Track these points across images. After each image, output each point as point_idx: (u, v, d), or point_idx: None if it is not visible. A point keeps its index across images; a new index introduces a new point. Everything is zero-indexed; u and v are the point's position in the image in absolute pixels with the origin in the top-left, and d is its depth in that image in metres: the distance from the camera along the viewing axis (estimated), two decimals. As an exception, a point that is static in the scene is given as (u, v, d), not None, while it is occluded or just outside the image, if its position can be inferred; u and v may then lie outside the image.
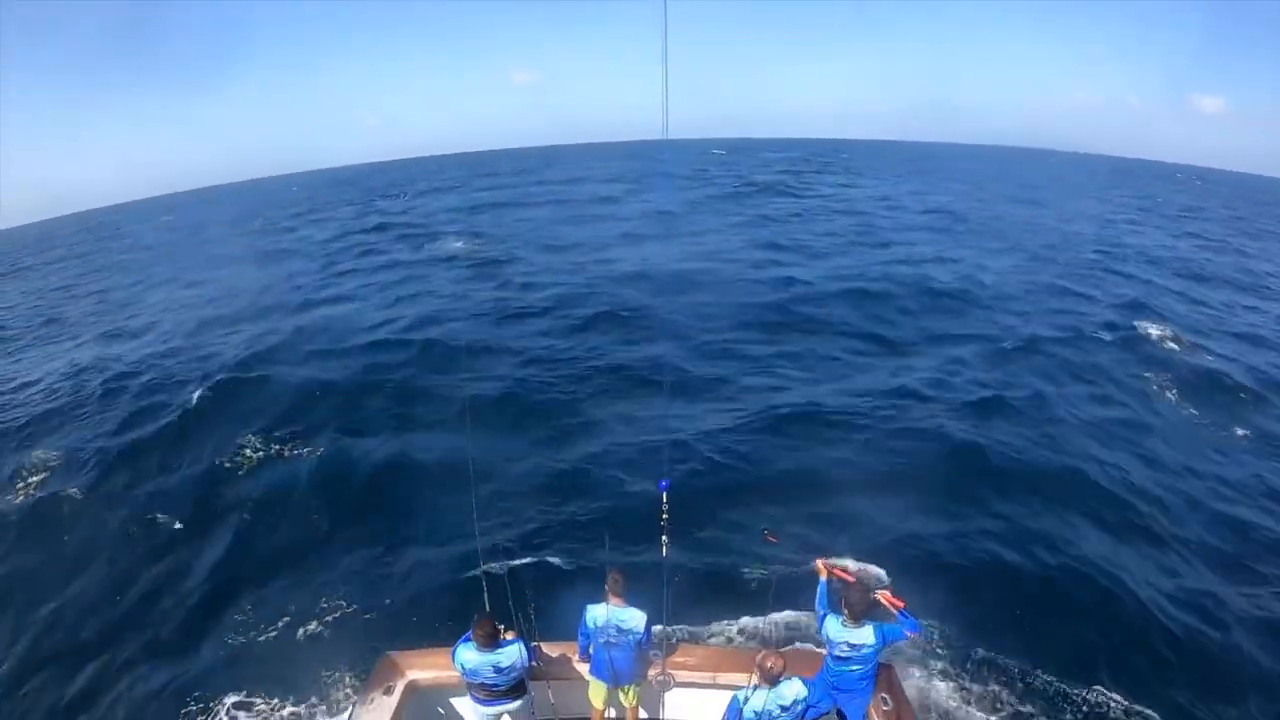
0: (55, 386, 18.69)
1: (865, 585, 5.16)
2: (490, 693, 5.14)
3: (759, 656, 4.73)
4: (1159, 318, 20.81)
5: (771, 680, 4.62)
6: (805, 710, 4.84)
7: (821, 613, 5.28)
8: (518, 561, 9.40)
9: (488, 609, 5.40)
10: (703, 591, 8.74)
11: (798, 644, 7.86)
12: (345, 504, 11.80)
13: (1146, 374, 16.91)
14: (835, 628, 5.12)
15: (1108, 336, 19.18)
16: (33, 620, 9.65)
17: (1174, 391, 16.16)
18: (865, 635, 5.05)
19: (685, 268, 25.90)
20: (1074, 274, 26.43)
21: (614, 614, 5.22)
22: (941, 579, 9.11)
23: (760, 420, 14.04)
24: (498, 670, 5.02)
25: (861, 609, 5.02)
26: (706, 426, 13.67)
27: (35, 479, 13.47)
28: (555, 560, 9.64)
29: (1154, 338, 19.30)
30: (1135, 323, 20.22)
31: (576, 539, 10.14)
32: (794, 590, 8.16)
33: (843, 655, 5.12)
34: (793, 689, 4.72)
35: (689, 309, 21.13)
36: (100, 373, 19.08)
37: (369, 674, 5.99)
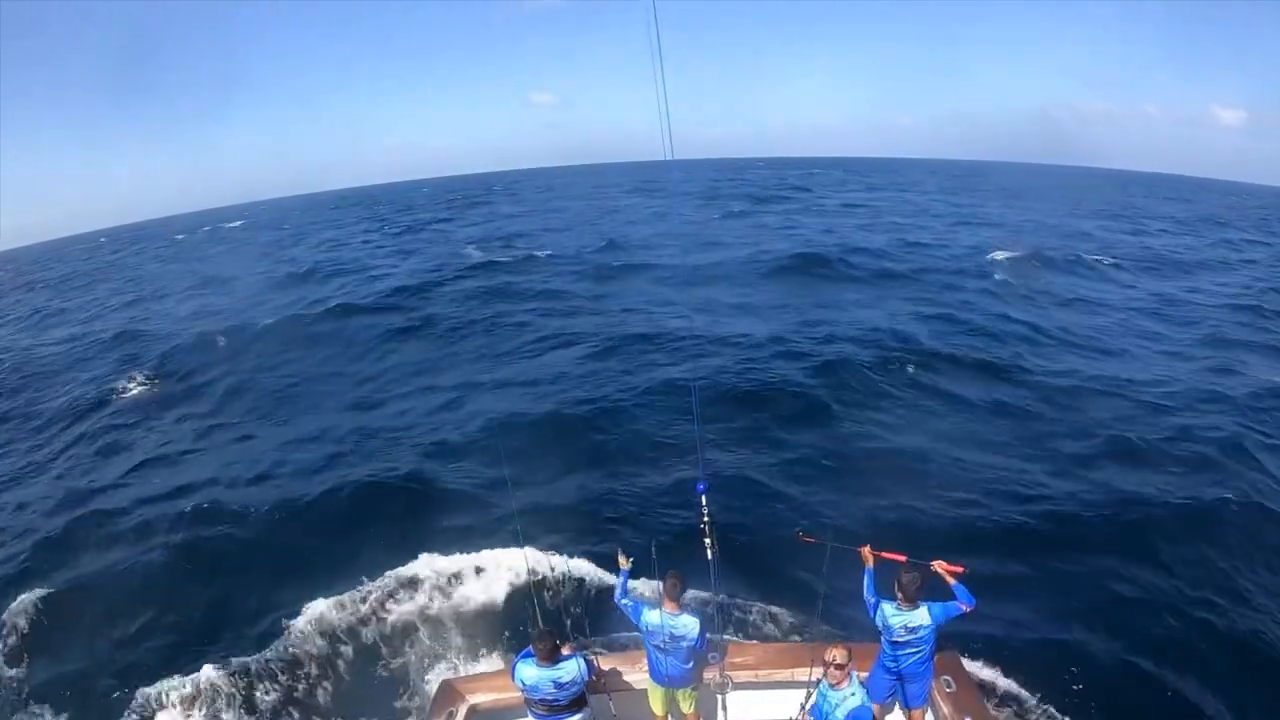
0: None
1: (916, 563, 5.10)
2: (551, 708, 5.16)
3: (827, 653, 4.71)
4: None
5: (843, 669, 4.63)
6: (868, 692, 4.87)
7: (872, 600, 5.22)
8: (567, 575, 9.38)
9: (541, 625, 5.45)
10: (751, 588, 8.73)
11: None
12: (377, 523, 11.79)
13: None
14: (891, 612, 5.07)
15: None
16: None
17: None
18: (921, 616, 5.00)
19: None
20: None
21: (667, 620, 5.19)
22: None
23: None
24: (558, 686, 5.04)
25: (915, 589, 4.98)
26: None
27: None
28: (603, 572, 9.59)
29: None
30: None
31: (618, 542, 10.14)
32: (844, 580, 8.11)
33: (900, 640, 5.08)
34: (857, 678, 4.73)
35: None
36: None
37: (429, 703, 6.06)
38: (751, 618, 8.40)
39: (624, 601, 5.39)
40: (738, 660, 5.84)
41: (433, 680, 7.76)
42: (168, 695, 8.09)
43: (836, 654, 4.62)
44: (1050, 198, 67.94)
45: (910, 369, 16.93)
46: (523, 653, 5.17)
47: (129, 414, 18.47)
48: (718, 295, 24.21)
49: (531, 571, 6.85)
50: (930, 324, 20.90)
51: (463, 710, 5.81)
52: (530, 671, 5.05)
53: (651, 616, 5.22)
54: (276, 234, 66.89)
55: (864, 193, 70.06)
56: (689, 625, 5.21)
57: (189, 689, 8.15)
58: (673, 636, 5.19)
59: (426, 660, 8.45)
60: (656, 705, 5.61)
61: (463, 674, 6.24)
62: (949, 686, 5.38)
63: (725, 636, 7.18)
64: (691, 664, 5.39)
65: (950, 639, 7.68)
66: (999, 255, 31.31)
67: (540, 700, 5.12)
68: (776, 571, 9.06)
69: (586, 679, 5.21)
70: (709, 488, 5.29)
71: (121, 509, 12.98)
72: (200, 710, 8.00)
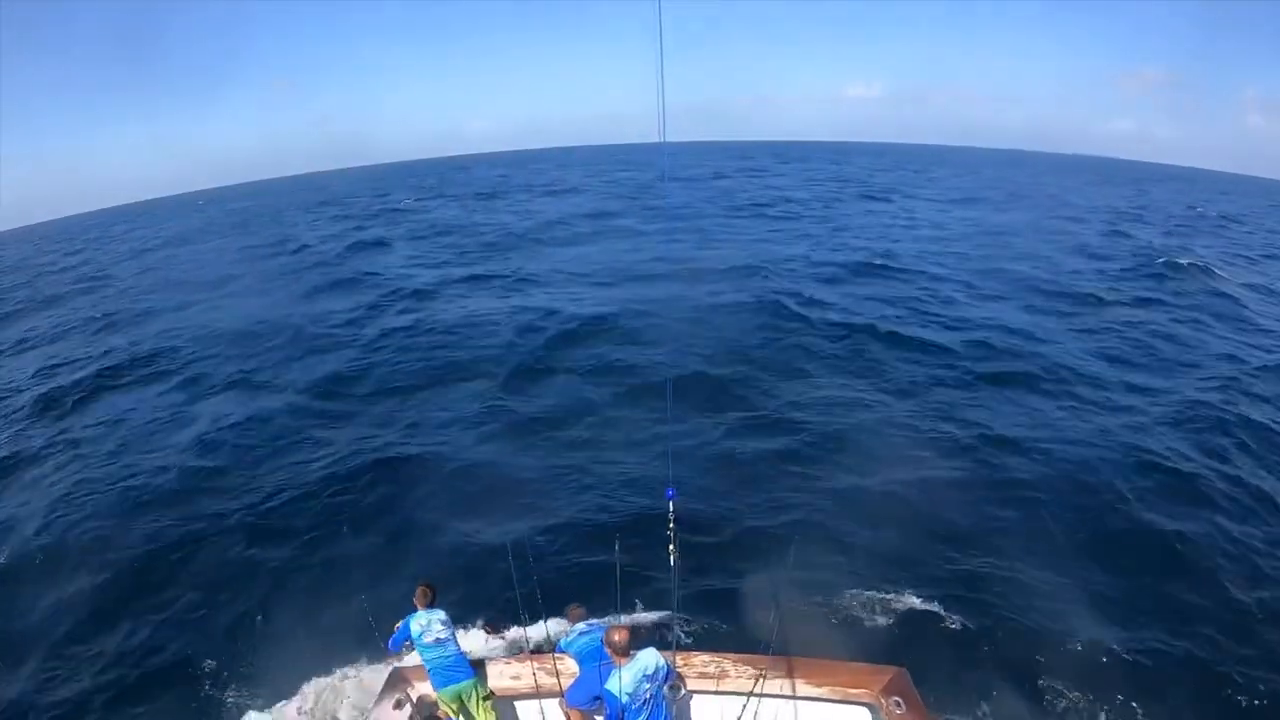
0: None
1: None
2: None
3: (606, 633, 4.87)
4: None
5: (624, 652, 4.72)
6: (667, 674, 5.04)
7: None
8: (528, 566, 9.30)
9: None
10: (711, 597, 8.72)
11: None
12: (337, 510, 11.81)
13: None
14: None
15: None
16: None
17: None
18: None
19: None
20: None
21: (428, 615, 5.80)
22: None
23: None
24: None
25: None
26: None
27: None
28: (571, 560, 9.65)
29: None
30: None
31: (587, 538, 10.31)
32: (804, 592, 8.16)
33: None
34: (650, 656, 4.85)
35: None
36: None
37: (378, 689, 6.03)
38: (709, 626, 8.37)
39: (394, 640, 5.95)
40: (691, 667, 5.87)
41: (382, 669, 7.68)
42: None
43: (620, 635, 4.77)
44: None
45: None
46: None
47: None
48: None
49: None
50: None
51: (411, 699, 5.79)
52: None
53: (417, 620, 5.79)
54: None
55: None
56: (443, 611, 5.88)
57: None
58: (443, 623, 5.77)
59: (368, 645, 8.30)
60: (453, 711, 5.80)
61: (411, 663, 6.22)
62: (898, 708, 5.42)
63: (679, 638, 7.20)
64: (461, 651, 5.80)
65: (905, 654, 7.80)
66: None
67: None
68: (738, 581, 9.06)
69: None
70: (677, 494, 5.28)
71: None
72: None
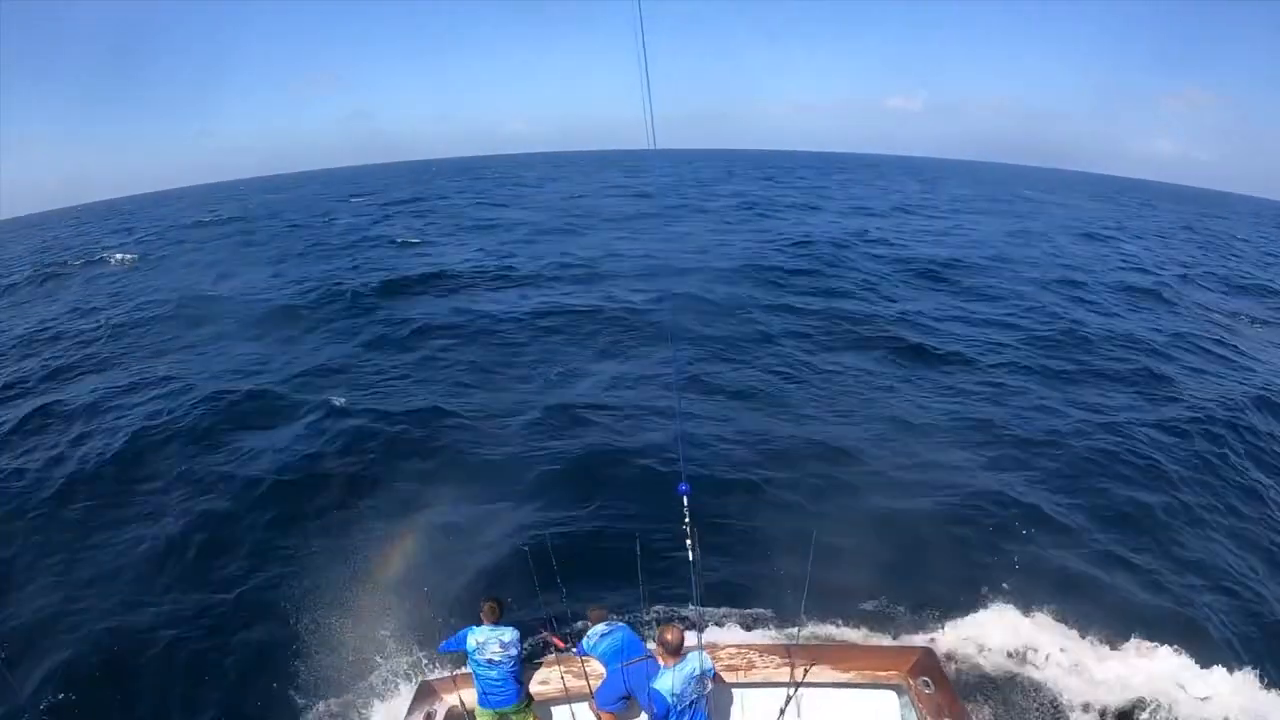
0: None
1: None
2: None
3: (659, 632, 4.85)
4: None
5: (676, 651, 4.71)
6: (712, 674, 5.04)
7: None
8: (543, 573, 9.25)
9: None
10: (733, 589, 8.71)
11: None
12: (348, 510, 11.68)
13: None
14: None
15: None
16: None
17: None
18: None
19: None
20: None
21: (492, 631, 5.64)
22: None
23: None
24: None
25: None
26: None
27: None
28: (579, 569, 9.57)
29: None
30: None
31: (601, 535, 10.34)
32: (827, 579, 8.14)
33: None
34: (699, 658, 4.84)
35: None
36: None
37: (408, 702, 6.04)
38: (734, 620, 8.38)
39: (446, 644, 5.91)
40: (717, 660, 5.85)
41: (410, 679, 7.70)
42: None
43: (673, 634, 4.73)
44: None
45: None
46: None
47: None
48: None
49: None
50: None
51: (441, 710, 5.78)
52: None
53: (475, 635, 5.63)
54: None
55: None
56: (512, 631, 5.69)
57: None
58: (502, 644, 5.59)
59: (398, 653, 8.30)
60: None
61: (440, 674, 6.23)
62: (927, 687, 5.41)
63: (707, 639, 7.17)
64: (520, 677, 5.72)
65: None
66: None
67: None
68: (759, 571, 9.05)
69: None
70: (691, 490, 5.25)
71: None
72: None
